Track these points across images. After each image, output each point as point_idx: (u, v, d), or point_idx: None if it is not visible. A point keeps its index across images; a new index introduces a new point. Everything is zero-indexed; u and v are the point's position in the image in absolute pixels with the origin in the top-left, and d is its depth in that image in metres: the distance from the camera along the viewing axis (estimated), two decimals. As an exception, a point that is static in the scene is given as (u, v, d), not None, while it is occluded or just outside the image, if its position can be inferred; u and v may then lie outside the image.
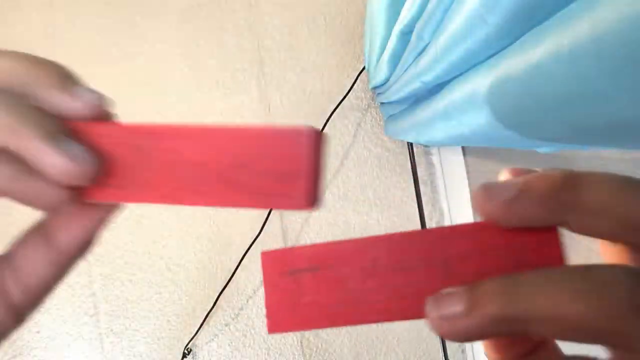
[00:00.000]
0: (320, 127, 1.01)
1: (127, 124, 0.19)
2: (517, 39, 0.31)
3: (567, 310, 0.13)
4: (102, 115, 0.19)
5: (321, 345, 1.02)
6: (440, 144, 0.95)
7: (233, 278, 1.01)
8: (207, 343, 1.02)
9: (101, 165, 0.19)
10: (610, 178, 0.15)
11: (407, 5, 0.52)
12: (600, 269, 0.14)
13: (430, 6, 0.43)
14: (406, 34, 0.55)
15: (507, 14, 0.29)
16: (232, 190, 0.18)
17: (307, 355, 1.02)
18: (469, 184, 0.91)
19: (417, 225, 1.03)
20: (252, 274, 1.03)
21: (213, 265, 1.03)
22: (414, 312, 0.17)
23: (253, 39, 1.05)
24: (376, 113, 1.05)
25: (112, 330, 1.03)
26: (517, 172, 0.18)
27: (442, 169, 1.03)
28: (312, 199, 0.17)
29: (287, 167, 0.17)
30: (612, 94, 0.22)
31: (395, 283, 0.17)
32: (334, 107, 1.01)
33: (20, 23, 1.03)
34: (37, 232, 0.20)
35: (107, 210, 0.20)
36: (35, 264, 0.19)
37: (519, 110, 0.34)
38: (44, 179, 0.17)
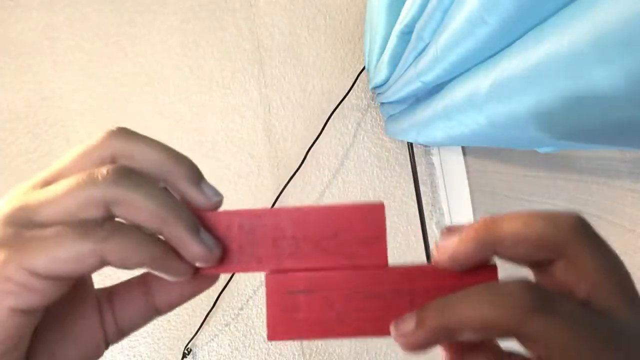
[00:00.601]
0: (320, 127, 1.02)
1: (234, 210, 0.23)
2: (517, 39, 0.31)
3: (483, 315, 0.18)
4: (217, 207, 0.23)
5: (321, 345, 1.02)
6: (440, 144, 0.95)
7: (233, 278, 1.01)
8: (207, 343, 1.02)
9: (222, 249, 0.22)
10: (521, 214, 0.19)
11: (407, 5, 0.52)
12: (508, 284, 0.18)
13: (430, 6, 0.43)
14: (406, 34, 0.55)
15: (507, 14, 0.29)
16: (325, 256, 0.22)
17: (307, 355, 1.02)
18: (469, 184, 0.91)
19: (417, 226, 1.03)
20: (252, 274, 1.03)
21: (213, 265, 1.03)
22: (385, 331, 0.21)
23: (253, 39, 1.05)
24: (376, 113, 1.05)
25: (112, 330, 1.03)
26: (450, 230, 0.22)
27: (442, 169, 1.03)
28: (386, 256, 0.23)
29: (369, 234, 0.22)
30: (612, 94, 0.22)
31: (372, 308, 0.22)
32: (334, 107, 1.01)
33: (20, 23, 1.03)
34: (140, 286, 0.24)
35: (207, 282, 0.24)
36: (132, 314, 0.24)
37: (519, 110, 0.34)
38: (181, 258, 0.21)
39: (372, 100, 1.05)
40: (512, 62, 0.31)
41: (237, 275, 1.00)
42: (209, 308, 1.00)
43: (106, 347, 0.23)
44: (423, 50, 0.50)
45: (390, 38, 0.61)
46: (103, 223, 0.19)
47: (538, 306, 0.17)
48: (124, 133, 0.21)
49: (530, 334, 0.17)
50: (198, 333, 1.01)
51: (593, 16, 0.21)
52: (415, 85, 0.57)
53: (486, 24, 0.32)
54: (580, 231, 0.19)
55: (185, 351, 1.00)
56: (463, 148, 0.92)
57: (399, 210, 1.05)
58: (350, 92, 1.01)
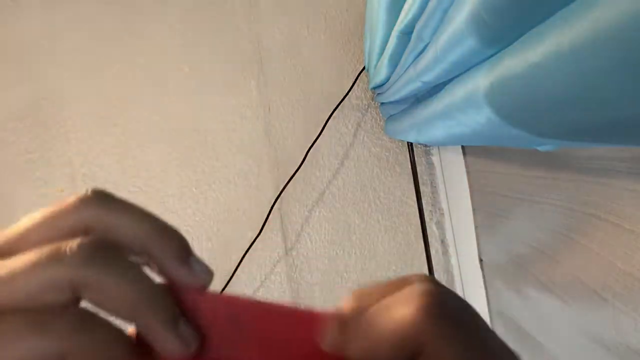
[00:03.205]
0: (320, 127, 1.02)
1: (225, 296, 0.21)
2: (517, 38, 0.31)
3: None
4: (206, 286, 0.21)
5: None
6: (441, 143, 0.95)
7: (233, 278, 1.01)
8: (207, 343, 1.02)
9: (200, 341, 0.20)
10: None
11: (407, 6, 0.52)
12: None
13: (430, 6, 0.43)
14: (406, 34, 0.55)
15: (507, 14, 0.29)
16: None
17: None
18: (469, 184, 0.91)
19: (417, 226, 1.03)
20: (252, 274, 1.03)
21: (213, 266, 1.02)
22: None
23: (253, 38, 1.05)
24: (376, 113, 1.05)
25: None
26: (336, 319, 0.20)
27: (442, 169, 1.03)
28: None
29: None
30: (612, 93, 0.22)
31: None
32: (334, 107, 1.01)
33: (20, 23, 1.03)
34: None
35: None
36: None
37: (519, 110, 0.34)
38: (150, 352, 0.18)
39: (372, 100, 1.05)
40: (512, 61, 0.31)
41: (235, 276, 1.00)
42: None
43: None
44: (423, 50, 0.50)
45: (390, 38, 0.61)
46: (66, 314, 0.16)
47: None
48: (101, 198, 0.19)
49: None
50: (198, 333, 1.01)
51: (593, 15, 0.21)
52: (415, 85, 0.57)
53: (486, 24, 0.32)
54: (437, 322, 0.17)
55: (185, 351, 1.00)
56: (463, 148, 0.92)
57: (399, 210, 1.05)
58: (350, 92, 1.01)
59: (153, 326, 0.18)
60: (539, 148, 0.43)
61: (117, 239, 0.18)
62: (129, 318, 0.18)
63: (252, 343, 0.20)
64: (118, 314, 0.18)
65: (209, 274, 0.21)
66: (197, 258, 0.21)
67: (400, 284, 0.20)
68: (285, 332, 0.20)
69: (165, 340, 0.18)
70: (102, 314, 0.18)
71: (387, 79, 0.73)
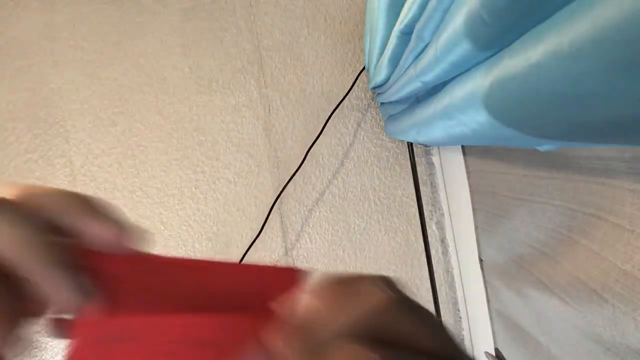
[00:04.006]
0: (320, 127, 1.02)
1: (141, 254, 0.21)
2: (517, 38, 0.31)
3: None
4: (124, 242, 0.21)
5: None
6: (441, 143, 0.95)
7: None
8: (207, 343, 1.02)
9: (103, 296, 0.19)
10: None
11: (407, 5, 0.52)
12: None
13: (430, 6, 0.43)
14: (406, 34, 0.55)
15: (507, 14, 0.29)
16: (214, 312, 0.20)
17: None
18: (469, 184, 0.91)
19: (417, 225, 1.03)
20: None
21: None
22: None
23: (253, 39, 1.05)
24: (376, 113, 1.05)
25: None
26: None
27: (442, 169, 1.03)
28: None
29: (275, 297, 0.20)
30: (612, 93, 0.22)
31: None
32: (334, 107, 1.01)
33: (21, 23, 1.03)
34: None
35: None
36: None
37: (519, 109, 0.34)
38: (40, 303, 0.18)
39: (372, 100, 1.05)
40: (512, 61, 0.31)
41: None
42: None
43: None
44: (423, 50, 0.50)
45: (390, 38, 0.61)
46: None
47: None
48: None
49: None
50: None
51: (593, 15, 0.21)
52: (415, 85, 0.57)
53: (486, 24, 0.32)
54: (401, 306, 0.18)
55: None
56: (463, 148, 0.92)
57: (399, 210, 1.05)
58: (350, 92, 1.01)
59: (44, 272, 0.17)
60: (539, 148, 0.43)
61: (26, 201, 0.19)
62: (19, 260, 0.17)
63: (166, 297, 0.20)
64: (8, 256, 0.17)
65: (121, 226, 0.20)
66: (111, 214, 0.20)
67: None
68: (200, 284, 0.20)
69: (59, 288, 0.18)
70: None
71: (387, 79, 0.73)
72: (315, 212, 1.04)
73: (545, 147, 0.42)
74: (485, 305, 0.90)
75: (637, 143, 0.28)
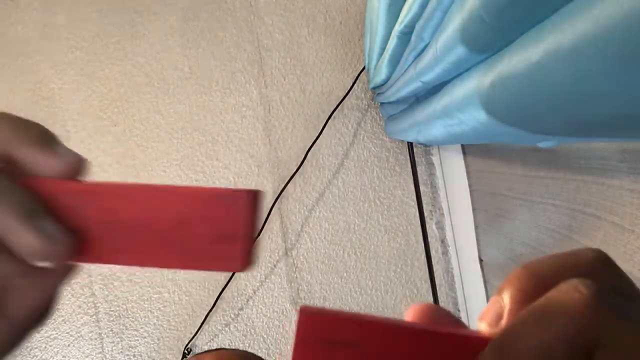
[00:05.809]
0: (320, 127, 1.02)
1: (105, 184, 0.19)
2: (516, 38, 0.31)
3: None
4: (76, 171, 0.19)
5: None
6: (441, 142, 0.95)
7: (233, 278, 1.01)
8: (207, 343, 1.02)
9: (76, 242, 0.18)
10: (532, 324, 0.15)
11: (407, 5, 0.52)
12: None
13: (430, 6, 0.43)
14: (406, 34, 0.55)
15: (507, 14, 0.29)
16: (168, 251, 0.18)
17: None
18: (469, 184, 0.91)
19: (417, 225, 1.03)
20: (252, 274, 1.03)
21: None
22: None
23: (253, 39, 1.05)
24: (376, 113, 1.05)
25: (112, 330, 1.03)
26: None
27: (442, 169, 1.03)
28: (246, 261, 0.18)
29: (225, 230, 0.18)
30: (612, 91, 0.22)
31: None
32: (334, 107, 1.01)
33: (20, 23, 1.03)
34: None
35: (60, 276, 0.19)
36: None
37: (519, 108, 0.34)
38: (11, 254, 0.17)
39: (372, 100, 1.05)
40: (512, 60, 0.31)
41: (237, 275, 1.00)
42: (209, 308, 1.00)
43: None
44: (423, 50, 0.50)
45: (390, 38, 0.61)
46: None
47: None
48: None
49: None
50: (198, 333, 1.01)
51: (593, 14, 0.21)
52: (415, 85, 0.57)
53: (486, 24, 0.32)
54: (607, 313, 0.14)
55: (185, 351, 1.00)
56: (463, 148, 0.92)
57: (399, 210, 1.05)
58: (350, 92, 1.01)
59: (5, 222, 0.16)
60: (539, 144, 0.43)
61: None
62: None
63: (95, 228, 0.18)
64: None
65: (75, 156, 0.18)
66: (64, 146, 0.18)
67: (572, 262, 0.16)
68: (134, 214, 0.18)
69: (21, 236, 0.16)
70: None
71: (387, 79, 0.73)
72: (315, 212, 1.04)
73: (546, 143, 0.42)
74: (485, 305, 0.90)
75: (636, 138, 0.28)
